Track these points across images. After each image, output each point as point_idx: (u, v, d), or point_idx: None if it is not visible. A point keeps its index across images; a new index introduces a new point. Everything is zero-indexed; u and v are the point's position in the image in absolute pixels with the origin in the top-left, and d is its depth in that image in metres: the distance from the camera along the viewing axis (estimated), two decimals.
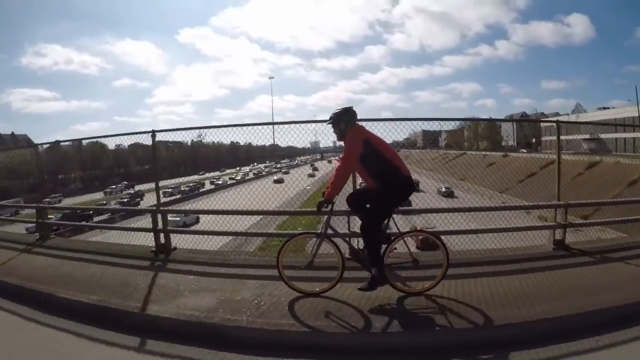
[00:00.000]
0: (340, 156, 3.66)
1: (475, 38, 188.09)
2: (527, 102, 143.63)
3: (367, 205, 3.43)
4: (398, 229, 3.52)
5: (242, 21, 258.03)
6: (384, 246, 3.36)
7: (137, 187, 42.96)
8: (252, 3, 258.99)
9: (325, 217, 3.58)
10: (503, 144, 68.48)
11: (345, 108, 3.50)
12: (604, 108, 58.87)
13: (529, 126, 66.43)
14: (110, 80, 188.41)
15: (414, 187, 3.48)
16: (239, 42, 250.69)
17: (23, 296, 3.84)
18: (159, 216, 4.94)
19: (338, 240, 3.55)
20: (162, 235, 4.90)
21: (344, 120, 3.44)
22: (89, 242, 6.77)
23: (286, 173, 18.51)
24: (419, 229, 5.62)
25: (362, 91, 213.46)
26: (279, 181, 15.68)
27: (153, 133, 4.90)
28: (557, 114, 72.40)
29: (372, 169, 3.34)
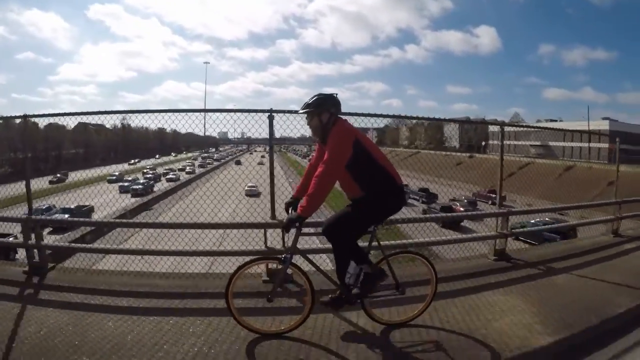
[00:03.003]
0: (313, 154, 2.95)
1: (387, 40, 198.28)
2: (432, 105, 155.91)
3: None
4: (382, 249, 2.86)
5: (155, 2, 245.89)
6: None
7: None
8: None
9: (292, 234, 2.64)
10: (446, 144, 71.61)
11: (329, 94, 2.71)
12: (552, 120, 64.86)
13: (474, 130, 70.55)
14: (13, 52, 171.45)
15: (405, 199, 2.80)
16: (150, 24, 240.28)
17: None
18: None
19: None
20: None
21: (329, 109, 2.63)
22: None
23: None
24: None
25: (272, 84, 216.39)
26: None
27: (270, 113, 3.68)
28: (496, 120, 78.27)
29: (360, 176, 2.59)
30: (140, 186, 30.28)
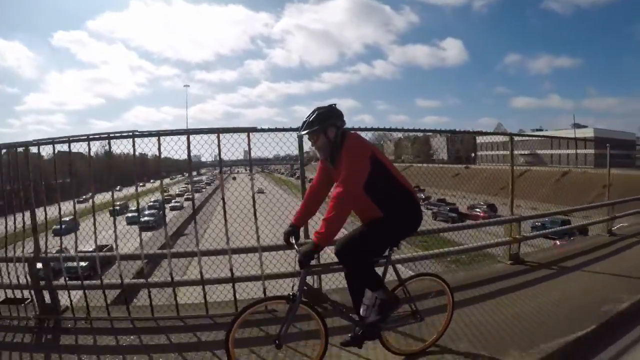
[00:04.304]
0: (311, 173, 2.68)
1: (354, 57, 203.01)
2: (403, 119, 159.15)
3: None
4: (398, 275, 2.61)
5: (120, 27, 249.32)
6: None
7: None
8: (132, 9, 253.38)
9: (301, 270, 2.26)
10: (434, 157, 72.59)
11: (329, 106, 2.39)
12: (538, 129, 67.18)
13: (461, 142, 71.94)
14: None
15: (422, 216, 2.53)
16: (116, 49, 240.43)
17: None
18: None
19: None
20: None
21: (335, 122, 2.34)
22: None
23: None
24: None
25: (241, 105, 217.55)
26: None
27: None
28: (481, 131, 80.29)
29: (378, 194, 2.32)
30: (152, 218, 26.23)
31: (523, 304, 3.40)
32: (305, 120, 2.35)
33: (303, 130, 2.34)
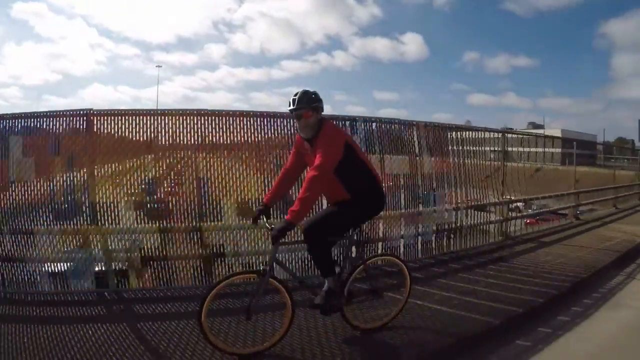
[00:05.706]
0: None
1: (315, 47, 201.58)
2: (360, 110, 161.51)
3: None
4: (361, 254, 2.87)
5: (81, 2, 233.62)
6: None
7: None
8: None
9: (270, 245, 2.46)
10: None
11: (314, 91, 2.55)
12: (509, 128, 70.82)
13: (432, 136, 74.74)
14: None
15: (385, 202, 2.78)
16: (76, 24, 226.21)
17: None
18: None
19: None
20: None
21: (319, 104, 2.48)
22: None
23: None
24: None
25: (200, 89, 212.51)
26: None
27: None
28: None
29: (347, 178, 2.49)
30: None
31: None
32: (295, 99, 2.43)
33: (296, 105, 2.42)
